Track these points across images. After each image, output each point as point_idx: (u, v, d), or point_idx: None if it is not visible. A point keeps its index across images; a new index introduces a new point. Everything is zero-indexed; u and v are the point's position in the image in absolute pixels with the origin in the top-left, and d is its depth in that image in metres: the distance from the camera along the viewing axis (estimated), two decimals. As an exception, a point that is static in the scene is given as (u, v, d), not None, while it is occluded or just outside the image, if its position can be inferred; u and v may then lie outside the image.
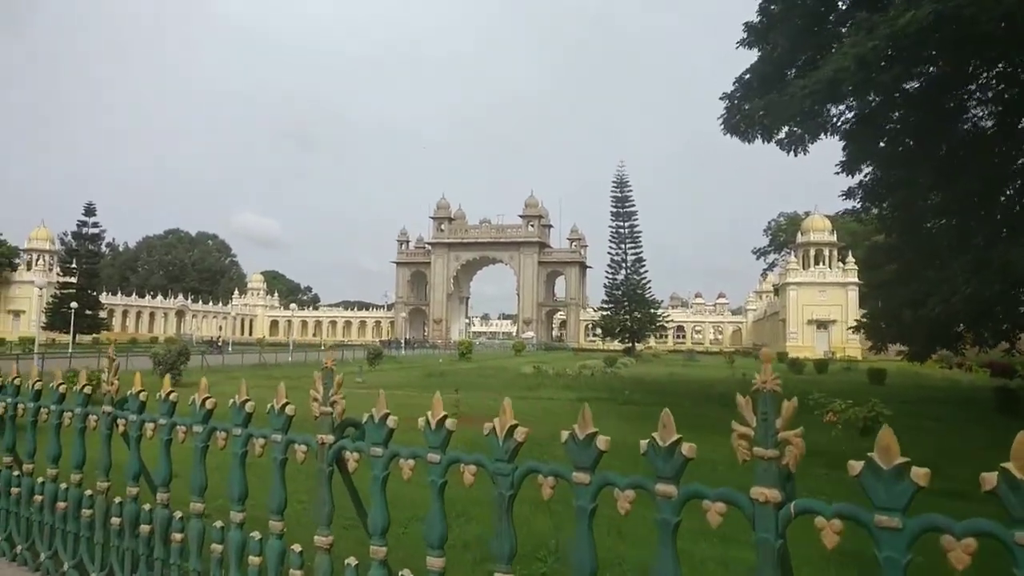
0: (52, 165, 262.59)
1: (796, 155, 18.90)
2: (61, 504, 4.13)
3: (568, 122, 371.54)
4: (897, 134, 18.43)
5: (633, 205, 75.72)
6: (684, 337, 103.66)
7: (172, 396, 3.75)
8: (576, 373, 31.87)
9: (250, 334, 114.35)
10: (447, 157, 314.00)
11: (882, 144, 18.99)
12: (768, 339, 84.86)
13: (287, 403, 3.22)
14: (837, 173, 20.18)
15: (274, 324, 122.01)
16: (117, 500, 3.95)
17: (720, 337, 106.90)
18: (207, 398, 3.61)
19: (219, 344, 66.50)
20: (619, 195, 75.89)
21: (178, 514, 3.61)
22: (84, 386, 4.20)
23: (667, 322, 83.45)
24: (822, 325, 74.76)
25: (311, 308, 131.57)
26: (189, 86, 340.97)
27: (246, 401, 3.41)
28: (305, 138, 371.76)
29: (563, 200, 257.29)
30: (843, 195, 21.14)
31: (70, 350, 45.71)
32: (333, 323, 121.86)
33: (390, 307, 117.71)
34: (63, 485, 4.16)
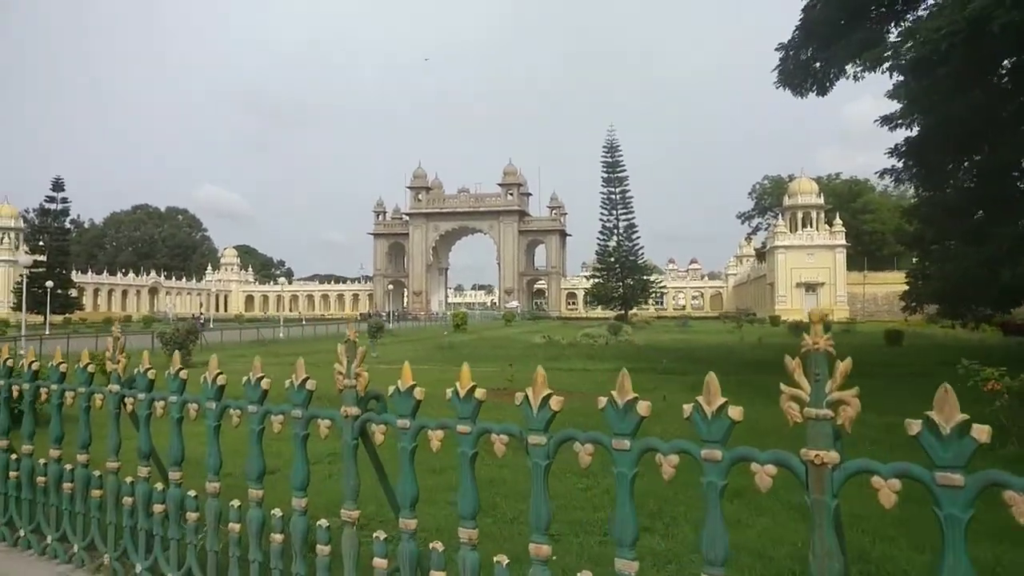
0: (7, 141, 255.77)
1: (822, 96, 19.33)
2: (68, 485, 3.80)
3: (544, 88, 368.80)
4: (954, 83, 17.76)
5: (624, 170, 75.34)
6: (663, 303, 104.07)
7: (182, 373, 3.55)
8: (590, 342, 31.63)
9: (225, 310, 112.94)
10: (421, 130, 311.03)
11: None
12: (753, 303, 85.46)
13: (307, 378, 3.03)
14: (880, 122, 20.19)
15: (250, 299, 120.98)
16: (128, 480, 3.63)
17: (700, 302, 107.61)
18: (219, 374, 3.43)
19: (203, 321, 65.43)
20: (610, 160, 75.31)
21: (192, 493, 3.37)
22: (87, 364, 3.82)
23: (660, 288, 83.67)
24: (810, 288, 75.06)
25: (288, 282, 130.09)
26: (151, 59, 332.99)
27: (261, 378, 3.24)
28: (270, 112, 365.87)
29: (541, 167, 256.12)
30: (889, 152, 20.82)
31: (47, 331, 44.65)
32: (310, 297, 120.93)
33: (366, 279, 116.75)
34: (68, 466, 3.82)
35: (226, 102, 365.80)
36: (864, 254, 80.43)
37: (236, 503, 3.20)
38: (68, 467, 3.86)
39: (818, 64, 17.76)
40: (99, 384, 3.86)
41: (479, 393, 2.56)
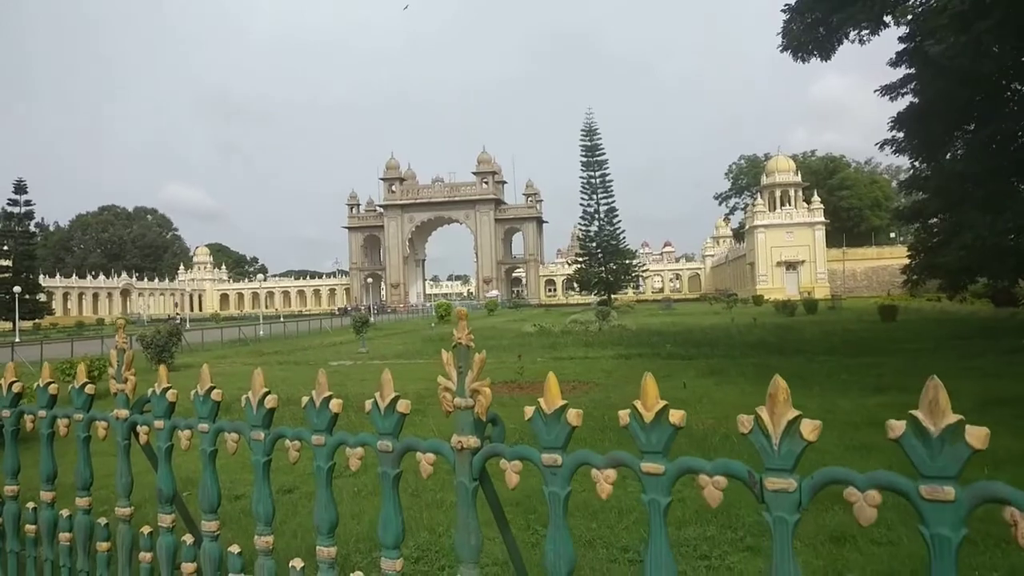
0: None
1: (825, 60, 19.30)
2: (65, 535, 2.99)
3: (515, 73, 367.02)
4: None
5: (603, 153, 74.57)
6: (641, 287, 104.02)
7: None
8: (581, 328, 31.11)
9: (200, 309, 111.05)
10: (393, 121, 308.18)
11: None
12: (732, 283, 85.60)
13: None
14: (881, 91, 20.02)
15: (224, 298, 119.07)
16: (145, 531, 2.84)
17: (677, 285, 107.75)
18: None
19: (179, 321, 63.94)
20: (588, 144, 74.52)
21: (235, 549, 2.53)
22: (84, 384, 2.99)
23: (643, 273, 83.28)
24: (791, 266, 75.31)
25: (262, 279, 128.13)
26: (114, 56, 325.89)
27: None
28: (237, 108, 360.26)
29: (515, 155, 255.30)
30: (891, 122, 20.59)
31: (16, 338, 43.03)
32: (286, 293, 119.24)
33: (342, 274, 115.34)
34: (65, 512, 3.00)
35: (191, 99, 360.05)
36: (842, 230, 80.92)
37: (236, 548, 2.47)
38: (65, 513, 3.05)
39: (823, 28, 17.22)
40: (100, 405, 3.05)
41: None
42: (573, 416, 1.87)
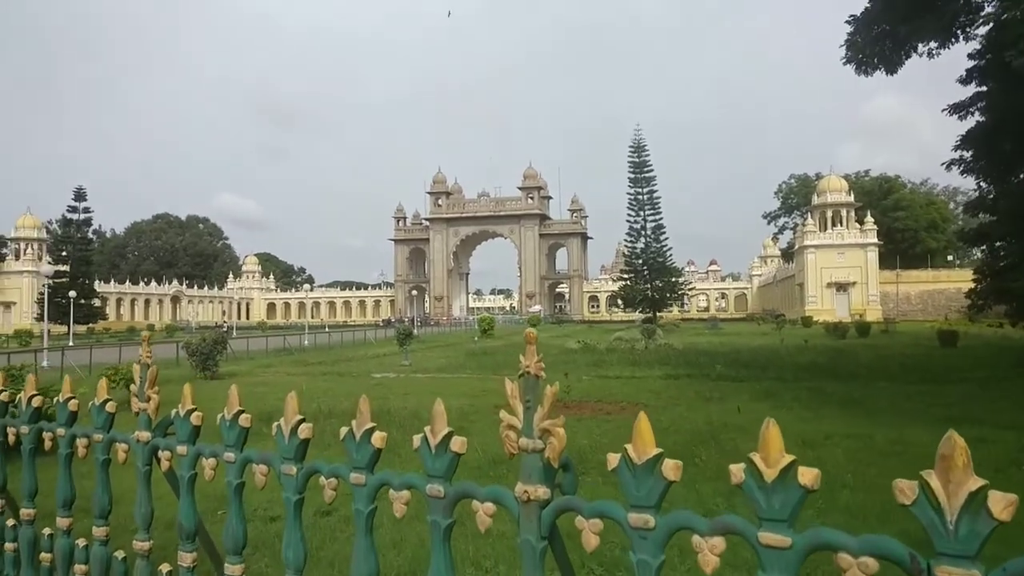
0: (29, 151, 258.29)
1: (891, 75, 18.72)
2: (80, 568, 2.73)
3: (562, 90, 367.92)
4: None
5: (652, 170, 73.69)
6: (686, 305, 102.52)
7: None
8: (626, 346, 30.57)
9: (247, 317, 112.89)
10: (439, 133, 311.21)
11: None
12: (780, 304, 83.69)
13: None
14: (950, 110, 19.43)
15: (271, 307, 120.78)
16: (165, 569, 2.56)
17: (724, 304, 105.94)
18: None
19: (225, 329, 65.00)
20: (636, 160, 73.69)
21: None
22: (105, 401, 2.71)
23: (689, 291, 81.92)
24: (842, 287, 73.23)
25: (309, 289, 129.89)
26: (165, 66, 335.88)
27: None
28: (285, 119, 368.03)
29: (561, 170, 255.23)
30: (958, 141, 19.89)
31: (70, 342, 44.07)
32: (331, 304, 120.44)
33: (387, 285, 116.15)
34: (81, 541, 2.74)
35: (241, 110, 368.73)
36: (896, 252, 78.53)
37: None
38: (81, 543, 2.78)
39: (889, 41, 16.63)
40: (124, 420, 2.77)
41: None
42: (671, 469, 1.51)
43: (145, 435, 2.55)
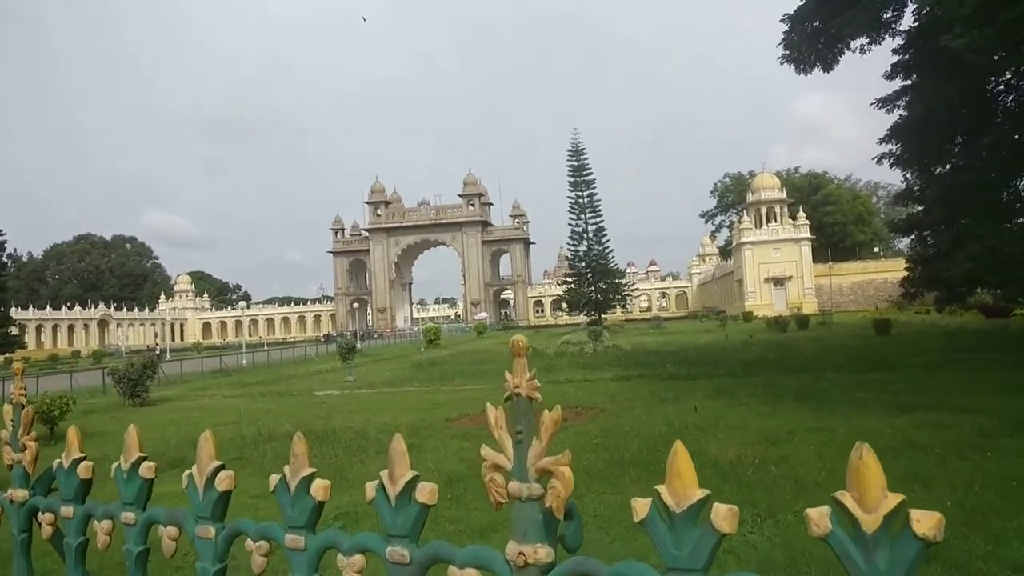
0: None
1: (828, 72, 19.19)
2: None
3: (498, 95, 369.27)
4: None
5: (591, 173, 73.95)
6: (628, 306, 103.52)
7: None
8: (574, 349, 30.38)
9: (182, 339, 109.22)
10: (377, 144, 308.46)
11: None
12: (720, 301, 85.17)
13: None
14: (877, 104, 19.74)
15: (207, 326, 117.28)
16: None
17: (665, 303, 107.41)
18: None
19: (157, 352, 62.54)
20: (575, 164, 73.88)
21: None
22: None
23: (632, 292, 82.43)
24: (779, 282, 74.74)
25: (245, 306, 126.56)
26: (88, 78, 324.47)
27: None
28: (215, 133, 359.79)
29: (501, 176, 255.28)
30: (887, 134, 20.31)
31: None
32: (270, 320, 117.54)
33: (327, 299, 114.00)
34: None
35: (168, 124, 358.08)
36: (827, 246, 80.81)
37: None
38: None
39: (823, 39, 16.91)
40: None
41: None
42: (724, 518, 1.11)
43: (21, 494, 2.02)
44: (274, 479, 1.60)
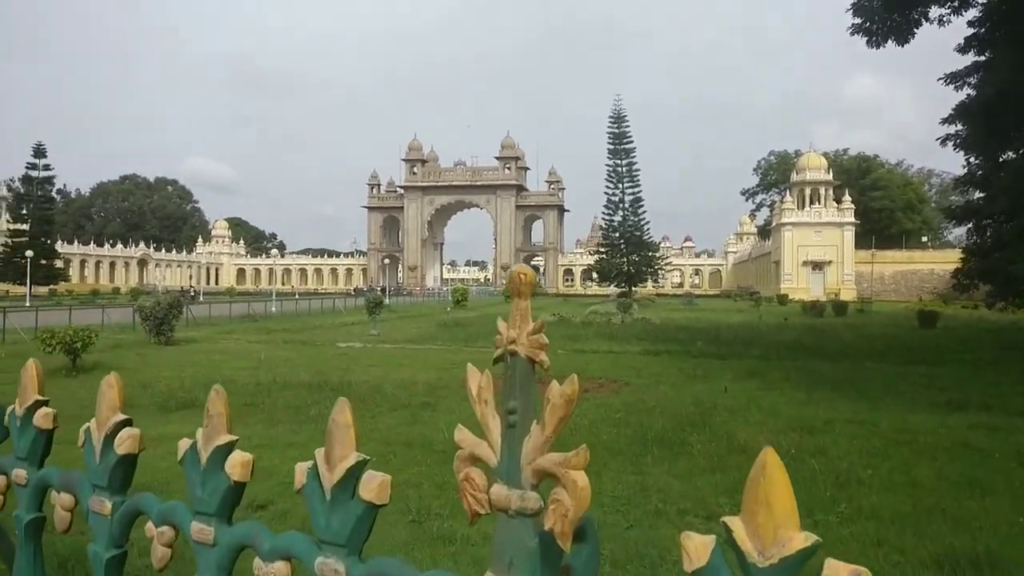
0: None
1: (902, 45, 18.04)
2: None
3: (542, 61, 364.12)
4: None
5: (631, 141, 72.04)
6: (660, 281, 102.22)
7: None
8: (602, 320, 29.93)
9: (216, 283, 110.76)
10: (416, 101, 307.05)
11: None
12: (755, 281, 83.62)
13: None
14: (946, 80, 18.75)
15: (241, 272, 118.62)
16: None
17: (698, 280, 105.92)
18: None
19: (192, 294, 63.38)
20: (616, 131, 72.09)
21: None
22: None
23: (665, 266, 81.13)
24: (817, 266, 72.92)
25: (280, 256, 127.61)
26: (135, 27, 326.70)
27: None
28: (257, 83, 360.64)
29: (539, 141, 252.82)
30: (948, 117, 19.26)
31: (27, 303, 42.37)
32: (303, 271, 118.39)
33: (360, 254, 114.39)
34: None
35: (212, 72, 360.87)
36: (872, 232, 78.59)
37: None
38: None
39: (899, 5, 15.79)
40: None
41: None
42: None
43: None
44: (184, 444, 1.18)
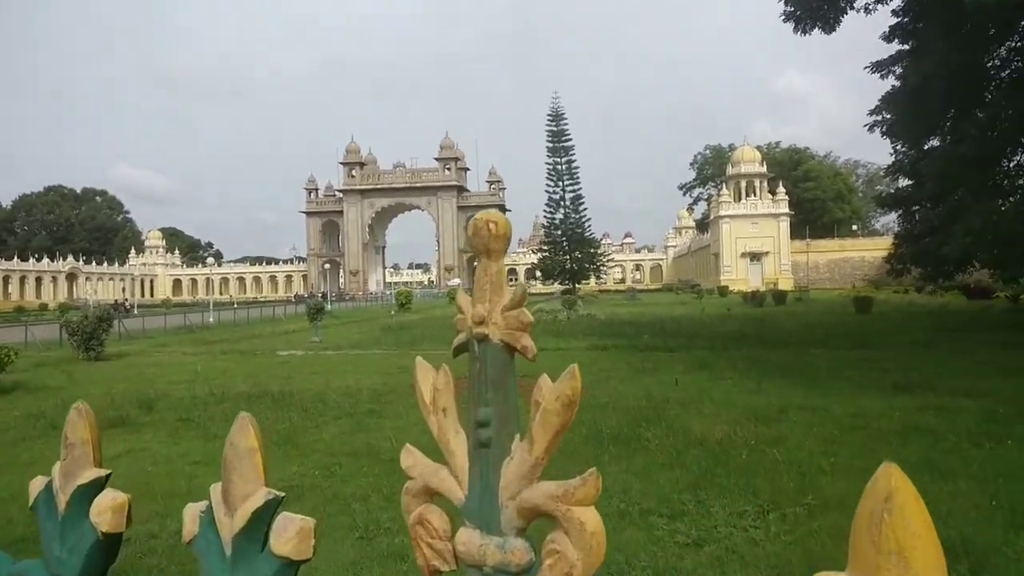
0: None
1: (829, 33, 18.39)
2: None
3: (478, 61, 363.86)
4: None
5: (570, 139, 72.26)
6: (602, 277, 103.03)
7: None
8: (548, 318, 29.74)
9: (151, 295, 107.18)
10: (353, 104, 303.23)
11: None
12: (695, 274, 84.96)
13: None
14: (872, 68, 18.99)
15: (177, 283, 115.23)
16: None
17: (639, 275, 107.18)
18: None
19: (126, 307, 61.03)
20: (555, 129, 72.21)
21: None
22: None
23: (607, 262, 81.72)
24: (755, 257, 74.45)
25: (216, 264, 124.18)
26: (59, 32, 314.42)
27: None
28: (188, 89, 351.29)
29: (479, 141, 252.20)
30: (876, 108, 19.68)
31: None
32: (241, 279, 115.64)
33: (300, 260, 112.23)
34: None
35: (141, 77, 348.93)
36: (806, 222, 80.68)
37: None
38: None
39: None
40: None
41: None
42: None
43: None
44: (37, 485, 0.89)
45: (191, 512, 0.75)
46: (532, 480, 0.56)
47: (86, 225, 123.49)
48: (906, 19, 17.55)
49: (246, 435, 0.70)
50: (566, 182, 72.45)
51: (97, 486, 0.84)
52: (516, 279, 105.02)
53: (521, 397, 0.59)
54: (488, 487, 0.58)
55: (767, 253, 73.98)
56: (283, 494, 0.72)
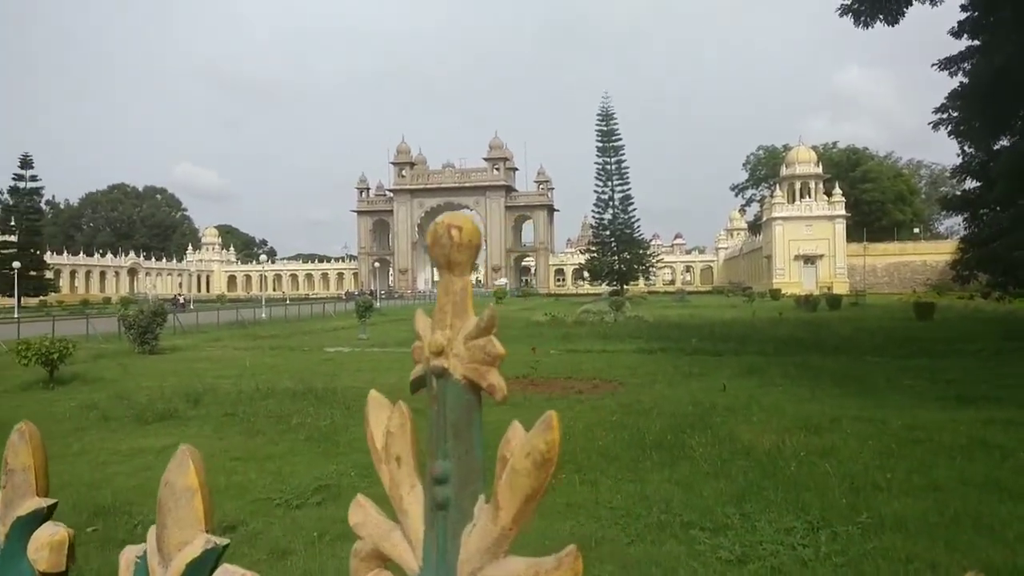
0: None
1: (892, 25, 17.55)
2: None
3: (529, 61, 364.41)
4: None
5: (620, 139, 71.41)
6: (651, 278, 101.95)
7: None
8: (594, 319, 29.55)
9: (207, 290, 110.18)
10: (404, 105, 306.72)
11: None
12: (747, 277, 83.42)
13: None
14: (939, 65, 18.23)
15: (232, 279, 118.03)
16: None
17: (689, 277, 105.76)
18: None
19: (182, 302, 62.79)
20: (604, 129, 71.50)
21: None
22: None
23: (656, 263, 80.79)
24: (809, 260, 72.65)
25: (270, 262, 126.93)
26: (124, 35, 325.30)
27: None
28: (246, 89, 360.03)
29: (528, 142, 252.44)
30: (942, 106, 18.79)
31: (16, 315, 41.73)
32: (294, 276, 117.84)
33: (351, 258, 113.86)
34: None
35: (198, 77, 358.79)
36: (863, 224, 78.36)
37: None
38: None
39: None
40: None
41: None
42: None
43: None
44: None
45: (127, 557, 0.65)
46: (497, 555, 0.44)
47: (147, 222, 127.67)
48: (976, 13, 16.79)
49: (184, 472, 0.59)
50: (615, 182, 71.75)
51: (39, 518, 0.74)
52: (564, 279, 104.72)
53: (489, 445, 0.47)
54: (445, 559, 0.46)
55: (821, 256, 72.05)
56: (226, 541, 0.61)
